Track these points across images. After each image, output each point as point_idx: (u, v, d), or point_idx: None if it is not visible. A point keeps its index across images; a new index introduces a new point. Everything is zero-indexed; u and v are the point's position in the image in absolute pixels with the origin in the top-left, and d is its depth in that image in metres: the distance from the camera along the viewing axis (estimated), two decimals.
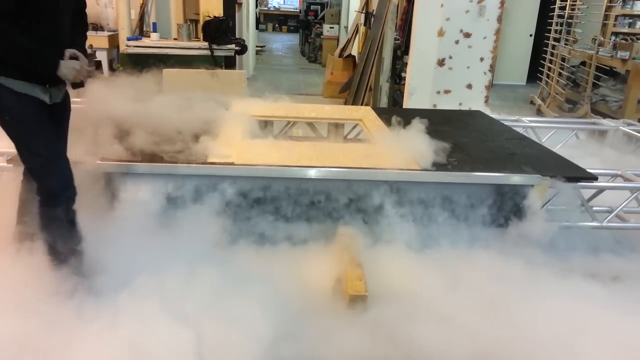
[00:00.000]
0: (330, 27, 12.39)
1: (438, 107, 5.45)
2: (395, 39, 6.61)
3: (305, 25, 14.81)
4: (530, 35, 10.59)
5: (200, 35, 6.45)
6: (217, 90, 4.53)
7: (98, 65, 7.00)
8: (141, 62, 5.73)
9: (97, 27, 7.15)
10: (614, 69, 7.65)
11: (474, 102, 5.46)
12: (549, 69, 8.37)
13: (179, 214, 2.83)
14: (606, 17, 7.88)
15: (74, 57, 2.27)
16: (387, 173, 2.96)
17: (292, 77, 10.55)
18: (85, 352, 2.08)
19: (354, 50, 9.09)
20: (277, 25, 21.30)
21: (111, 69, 7.23)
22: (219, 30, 6.26)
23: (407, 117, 3.59)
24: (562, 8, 8.09)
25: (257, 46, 13.11)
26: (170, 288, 2.38)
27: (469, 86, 5.53)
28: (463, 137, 3.67)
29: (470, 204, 3.07)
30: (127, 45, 6.27)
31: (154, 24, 6.65)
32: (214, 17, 6.30)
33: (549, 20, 8.65)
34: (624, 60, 7.10)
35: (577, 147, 4.74)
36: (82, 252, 2.37)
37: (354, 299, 2.50)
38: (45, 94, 2.24)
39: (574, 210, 3.18)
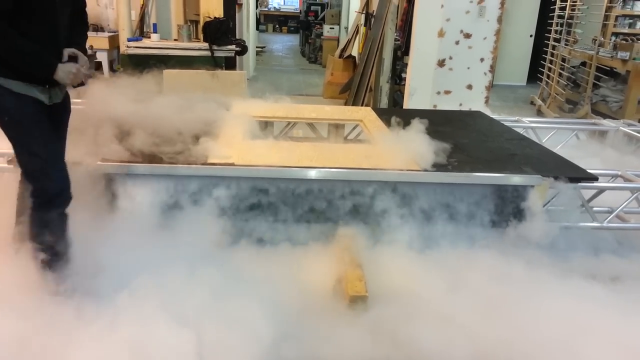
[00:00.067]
0: (331, 28, 12.40)
1: (438, 108, 5.45)
2: (396, 40, 6.60)
3: (305, 26, 14.81)
4: (531, 36, 10.59)
5: (201, 36, 6.45)
6: (217, 91, 4.54)
7: (98, 66, 7.00)
8: (141, 63, 5.73)
9: (98, 28, 7.14)
10: (614, 70, 7.65)
11: (474, 102, 5.46)
12: (549, 69, 8.37)
13: (179, 215, 2.83)
14: (606, 17, 7.89)
15: (73, 57, 2.26)
16: (387, 174, 2.96)
17: (292, 78, 10.55)
18: (85, 353, 2.08)
19: (354, 51, 9.09)
20: (277, 26, 21.30)
21: (111, 69, 7.22)
22: (219, 31, 6.27)
23: (408, 117, 3.59)
24: (562, 8, 8.09)
25: (257, 47, 13.11)
26: (170, 289, 2.38)
27: (469, 87, 5.53)
28: (463, 137, 3.67)
29: (470, 205, 3.06)
30: (128, 46, 6.28)
31: (154, 25, 6.66)
32: (214, 17, 6.30)
33: (549, 21, 8.65)
34: (624, 61, 7.10)
35: (578, 147, 4.74)
36: (69, 258, 2.34)
37: (354, 299, 2.50)
38: (44, 95, 2.23)
39: (575, 211, 3.18)
